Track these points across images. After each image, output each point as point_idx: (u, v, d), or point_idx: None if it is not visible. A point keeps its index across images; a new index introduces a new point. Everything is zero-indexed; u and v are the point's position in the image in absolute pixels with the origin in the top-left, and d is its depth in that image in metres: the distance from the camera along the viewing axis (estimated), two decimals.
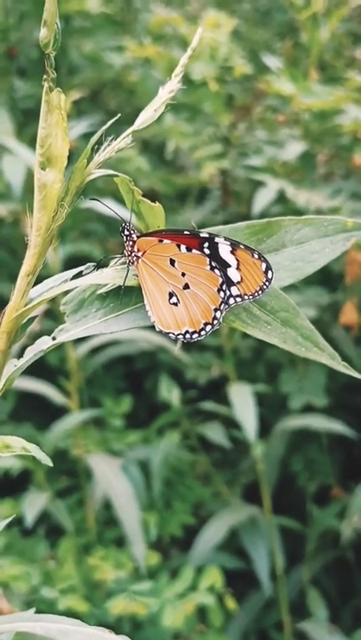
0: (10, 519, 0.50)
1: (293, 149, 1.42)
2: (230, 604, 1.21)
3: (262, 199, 1.31)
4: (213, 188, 1.69)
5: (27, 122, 1.61)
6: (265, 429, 1.36)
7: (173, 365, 1.49)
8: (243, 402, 1.27)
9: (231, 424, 1.33)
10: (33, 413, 1.43)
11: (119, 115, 0.46)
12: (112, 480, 1.23)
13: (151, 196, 0.45)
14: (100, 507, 1.31)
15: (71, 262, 1.30)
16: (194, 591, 1.18)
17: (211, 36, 1.42)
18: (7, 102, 1.59)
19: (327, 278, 1.45)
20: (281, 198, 1.37)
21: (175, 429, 1.39)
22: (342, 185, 1.45)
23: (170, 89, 0.45)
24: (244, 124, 1.60)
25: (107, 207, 0.52)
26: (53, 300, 1.20)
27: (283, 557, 1.32)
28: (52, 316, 1.24)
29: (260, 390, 1.34)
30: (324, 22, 1.48)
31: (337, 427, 1.31)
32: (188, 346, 1.47)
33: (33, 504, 1.19)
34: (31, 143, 1.39)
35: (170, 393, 1.35)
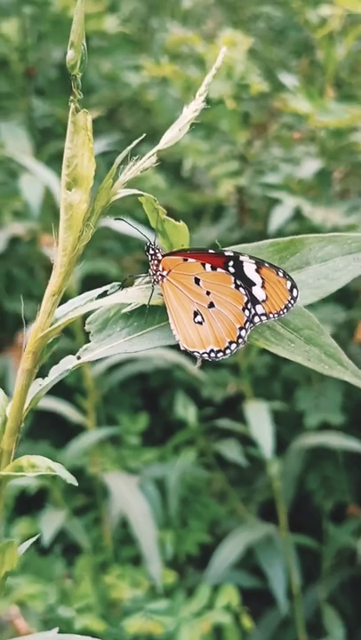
0: (31, 541, 0.50)
1: (310, 167, 1.43)
2: (247, 622, 1.21)
3: (279, 217, 1.32)
4: (229, 205, 1.70)
5: (44, 141, 1.62)
6: (281, 447, 1.36)
7: (189, 383, 1.49)
8: (259, 419, 1.27)
9: (247, 442, 1.33)
10: (49, 431, 1.43)
11: (143, 135, 0.46)
12: (129, 498, 1.23)
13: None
14: (117, 525, 1.31)
15: (88, 280, 1.31)
16: (210, 610, 1.17)
17: (227, 55, 1.43)
18: (25, 121, 1.60)
19: (343, 295, 1.45)
20: (297, 216, 1.37)
21: (191, 447, 1.39)
22: (358, 202, 1.45)
23: (195, 108, 0.45)
24: (261, 141, 1.61)
25: (131, 225, 0.52)
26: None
27: (299, 576, 1.32)
28: (70, 334, 1.24)
29: (277, 408, 1.34)
30: (340, 40, 1.49)
31: (353, 444, 1.30)
32: (203, 363, 1.46)
33: (50, 522, 1.19)
34: (49, 162, 1.40)
35: (186, 410, 1.35)
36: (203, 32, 1.84)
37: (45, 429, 1.44)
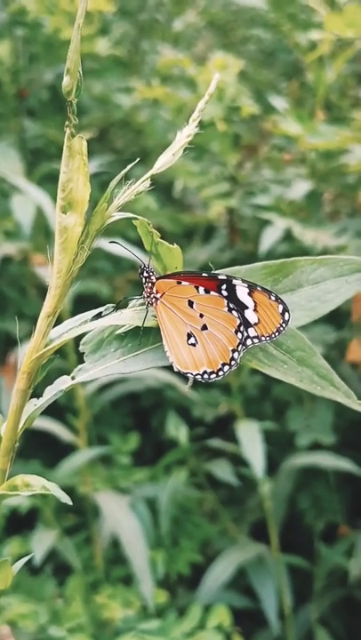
0: (24, 560, 0.50)
1: (300, 188, 1.44)
2: None
3: (269, 238, 1.33)
4: (220, 226, 1.70)
5: (36, 161, 1.63)
6: (272, 467, 1.36)
7: (180, 403, 1.50)
8: (250, 439, 1.27)
9: (239, 461, 1.33)
10: (41, 451, 1.43)
11: (137, 160, 0.47)
12: (120, 518, 1.23)
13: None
14: (108, 544, 1.31)
15: (79, 300, 1.31)
16: (202, 630, 1.17)
17: (218, 78, 1.44)
18: (17, 142, 1.61)
19: (334, 316, 1.46)
20: (288, 237, 1.38)
21: (182, 467, 1.39)
22: (348, 223, 1.46)
23: (188, 133, 0.46)
24: (251, 163, 1.62)
25: (124, 248, 0.52)
26: None
27: (290, 596, 1.32)
28: (62, 354, 1.25)
29: (268, 428, 1.34)
30: (330, 63, 1.50)
31: (344, 464, 1.31)
32: (195, 383, 1.47)
33: (41, 542, 1.18)
34: (40, 182, 1.41)
35: (177, 430, 1.36)
36: (193, 54, 1.86)
37: (36, 449, 1.44)
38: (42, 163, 1.59)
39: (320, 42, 1.48)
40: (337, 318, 1.46)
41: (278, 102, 1.54)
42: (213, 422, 1.45)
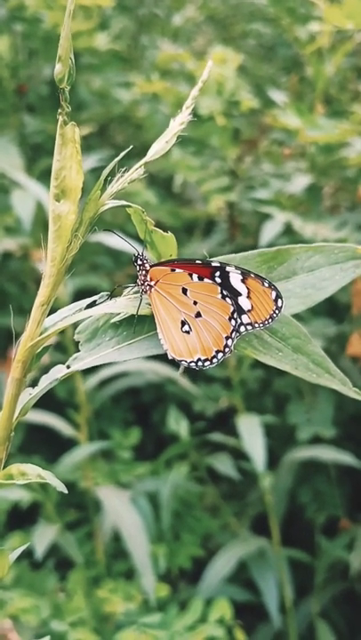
0: (21, 549, 0.50)
1: (300, 182, 1.44)
2: (240, 636, 1.20)
3: (269, 231, 1.32)
4: (220, 220, 1.70)
5: (36, 157, 1.63)
6: (273, 461, 1.36)
7: (181, 397, 1.50)
8: (251, 433, 1.27)
9: (239, 455, 1.33)
10: (42, 446, 1.43)
11: (130, 147, 0.47)
12: (121, 512, 1.23)
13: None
14: (109, 539, 1.31)
15: (80, 295, 1.31)
16: (203, 623, 1.17)
17: (218, 72, 1.44)
18: (17, 138, 1.61)
19: (334, 309, 1.46)
20: (288, 230, 1.37)
21: (183, 461, 1.39)
22: (348, 217, 1.46)
23: (181, 121, 0.46)
24: (251, 157, 1.62)
25: (120, 237, 0.52)
26: (63, 333, 1.21)
27: (292, 589, 1.32)
28: (61, 348, 1.25)
29: (268, 421, 1.34)
30: (329, 57, 1.50)
31: (345, 458, 1.31)
32: (195, 377, 1.47)
33: (43, 536, 1.18)
34: (40, 178, 1.41)
35: (178, 424, 1.36)
36: (193, 49, 1.85)
37: (37, 444, 1.44)
38: (42, 158, 1.59)
39: (319, 34, 1.48)
40: (337, 312, 1.46)
41: (278, 96, 1.54)
42: (214, 416, 1.45)
